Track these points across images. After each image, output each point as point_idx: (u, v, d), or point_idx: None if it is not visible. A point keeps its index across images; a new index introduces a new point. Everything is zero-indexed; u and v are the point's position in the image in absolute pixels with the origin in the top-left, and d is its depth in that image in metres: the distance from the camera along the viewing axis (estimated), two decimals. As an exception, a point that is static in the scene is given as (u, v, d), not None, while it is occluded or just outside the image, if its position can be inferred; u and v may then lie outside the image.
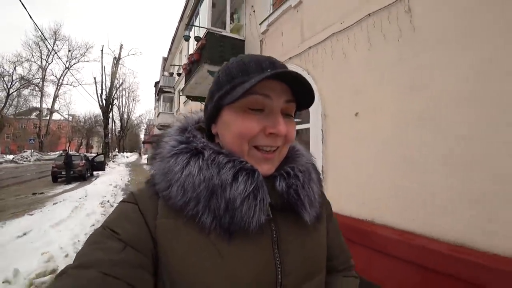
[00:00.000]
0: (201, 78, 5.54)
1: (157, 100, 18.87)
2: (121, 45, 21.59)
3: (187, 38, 5.78)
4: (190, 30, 6.84)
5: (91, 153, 39.53)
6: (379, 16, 2.41)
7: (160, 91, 16.23)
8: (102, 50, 20.57)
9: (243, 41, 5.57)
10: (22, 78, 26.94)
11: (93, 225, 4.14)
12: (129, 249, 0.38)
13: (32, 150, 24.83)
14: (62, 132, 44.75)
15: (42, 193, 8.00)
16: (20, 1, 7.33)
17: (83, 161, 11.70)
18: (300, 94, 0.47)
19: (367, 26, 2.52)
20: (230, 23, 5.95)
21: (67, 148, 38.32)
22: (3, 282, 2.04)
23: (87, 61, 25.81)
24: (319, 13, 3.28)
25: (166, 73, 17.15)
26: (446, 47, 1.85)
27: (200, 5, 6.25)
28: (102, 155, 15.55)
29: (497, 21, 1.57)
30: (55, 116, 32.77)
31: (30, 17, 8.36)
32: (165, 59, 19.10)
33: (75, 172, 10.92)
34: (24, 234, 3.67)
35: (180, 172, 0.43)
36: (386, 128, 2.26)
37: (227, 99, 0.44)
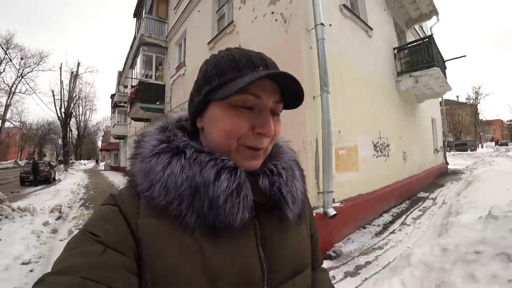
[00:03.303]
0: (137, 109, 8.76)
1: (113, 112, 20.98)
2: (79, 63, 22.83)
3: (126, 86, 8.97)
4: (133, 69, 10.05)
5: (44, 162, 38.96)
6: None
7: (115, 105, 18.59)
8: (60, 68, 21.93)
9: (164, 85, 8.87)
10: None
11: (70, 199, 7.16)
12: (109, 251, 0.37)
13: (-16, 160, 25.16)
14: (11, 141, 43.16)
15: (18, 191, 10.45)
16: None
17: (48, 168, 14.02)
18: (287, 95, 0.47)
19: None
20: (156, 72, 9.23)
21: (17, 157, 37.70)
22: (40, 209, 5.13)
23: (42, 70, 25.77)
24: (190, 83, 6.77)
25: (121, 88, 19.37)
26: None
27: (137, 58, 9.48)
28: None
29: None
30: (6, 124, 32.28)
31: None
32: (120, 73, 21.29)
33: (41, 177, 13.13)
34: (30, 205, 6.57)
35: (162, 171, 0.42)
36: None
37: (217, 94, 0.43)
